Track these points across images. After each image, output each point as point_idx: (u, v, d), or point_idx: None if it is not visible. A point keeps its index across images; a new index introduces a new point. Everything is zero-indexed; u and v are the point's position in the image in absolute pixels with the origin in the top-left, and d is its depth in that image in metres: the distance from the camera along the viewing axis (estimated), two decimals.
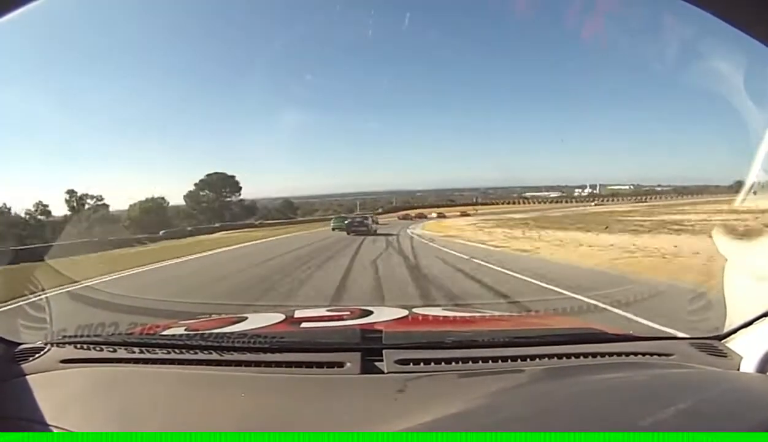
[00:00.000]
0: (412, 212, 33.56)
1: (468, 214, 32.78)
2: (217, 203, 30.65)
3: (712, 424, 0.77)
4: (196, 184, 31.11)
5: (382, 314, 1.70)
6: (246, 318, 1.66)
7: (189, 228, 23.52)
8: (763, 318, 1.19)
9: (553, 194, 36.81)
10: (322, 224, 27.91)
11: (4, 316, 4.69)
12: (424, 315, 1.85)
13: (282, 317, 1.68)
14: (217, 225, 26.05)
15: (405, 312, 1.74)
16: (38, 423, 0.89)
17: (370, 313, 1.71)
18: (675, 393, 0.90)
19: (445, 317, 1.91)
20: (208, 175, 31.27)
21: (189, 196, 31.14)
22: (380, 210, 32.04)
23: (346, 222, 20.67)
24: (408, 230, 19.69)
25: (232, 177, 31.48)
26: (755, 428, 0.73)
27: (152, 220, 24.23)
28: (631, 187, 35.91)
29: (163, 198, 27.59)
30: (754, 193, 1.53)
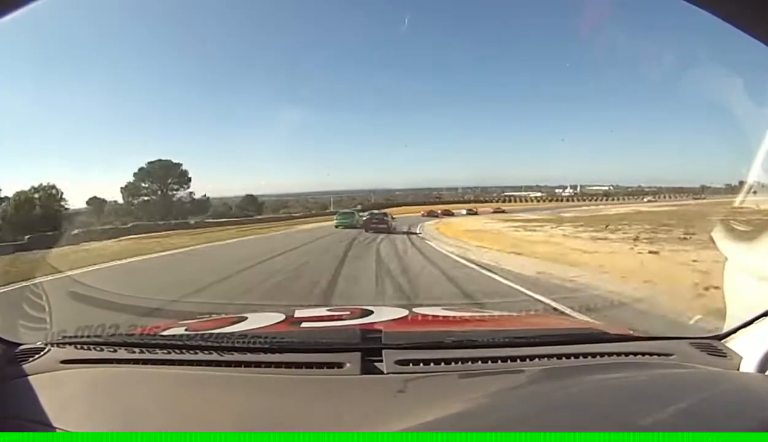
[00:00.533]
0: (438, 208, 29.39)
1: (503, 211, 28.69)
2: (161, 197, 24.96)
3: (712, 424, 0.77)
4: (135, 174, 24.72)
5: (382, 314, 1.69)
6: (246, 318, 1.66)
7: (77, 232, 15.51)
8: (763, 318, 1.19)
9: (534, 194, 35.62)
10: (293, 223, 23.44)
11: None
12: (424, 315, 1.85)
13: (282, 317, 1.68)
14: (129, 226, 18.66)
15: (405, 312, 1.73)
16: (38, 423, 0.89)
17: (371, 313, 1.71)
18: (675, 393, 0.91)
19: (444, 317, 1.91)
20: (149, 162, 25.00)
21: (127, 190, 24.62)
22: (359, 207, 28.91)
23: (364, 218, 18.16)
24: (440, 247, 11.15)
25: (178, 165, 25.35)
26: (755, 428, 0.73)
27: (33, 219, 16.91)
28: (611, 187, 35.13)
29: (54, 186, 19.83)
30: (754, 193, 1.53)
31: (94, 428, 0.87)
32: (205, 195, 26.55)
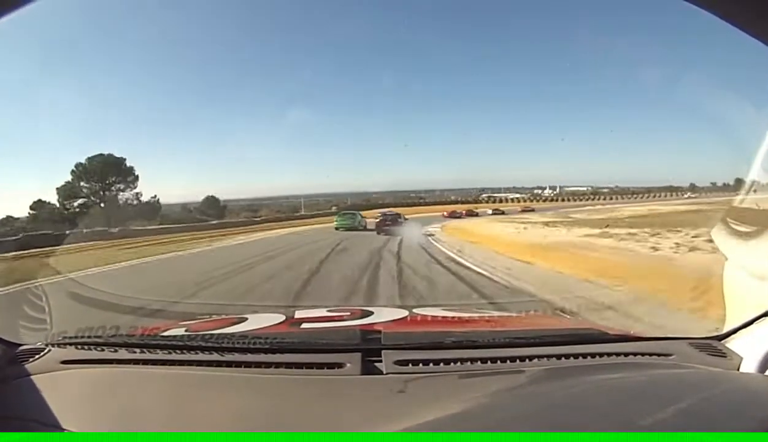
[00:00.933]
0: (461, 208, 26.40)
1: (532, 210, 26.04)
2: (102, 199, 20.57)
3: (712, 424, 0.77)
4: (72, 172, 20.23)
5: (382, 315, 1.70)
6: (246, 319, 1.66)
7: None
8: (763, 318, 1.19)
9: (512, 195, 34.00)
10: (251, 229, 19.61)
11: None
12: (423, 316, 1.85)
13: (282, 317, 1.68)
14: (14, 238, 13.78)
15: (405, 313, 1.74)
16: (39, 423, 0.89)
17: (371, 313, 1.71)
18: (675, 393, 0.90)
19: (444, 317, 1.91)
20: (89, 158, 20.28)
21: (63, 191, 19.98)
22: (334, 208, 26.82)
23: (379, 218, 16.81)
24: None
25: (122, 160, 20.71)
26: (755, 428, 0.73)
27: None
28: (589, 188, 34.40)
29: None
30: (754, 192, 1.52)
31: (94, 428, 0.88)
32: (154, 196, 22.05)
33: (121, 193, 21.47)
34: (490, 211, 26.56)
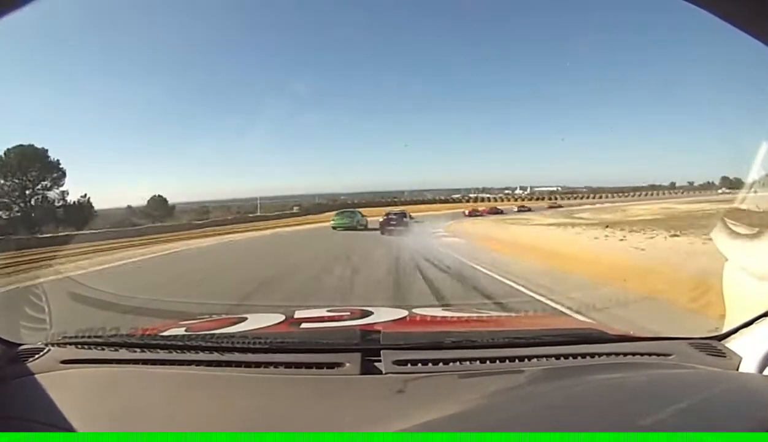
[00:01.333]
0: (482, 206, 25.07)
1: (559, 206, 24.91)
2: (24, 199, 17.09)
3: (711, 424, 0.77)
4: None
5: (382, 315, 1.70)
6: (246, 319, 1.67)
7: None
8: (763, 318, 1.19)
9: (483, 195, 33.62)
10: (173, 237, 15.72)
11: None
12: (422, 316, 1.86)
13: (282, 317, 1.68)
14: None
15: (404, 313, 1.74)
16: (39, 423, 0.89)
17: (370, 313, 1.71)
18: (675, 393, 0.90)
19: (443, 317, 1.92)
20: (6, 150, 16.70)
21: None
22: (296, 209, 26.00)
23: (383, 217, 15.93)
24: None
25: (43, 152, 17.16)
26: (755, 427, 0.73)
27: None
28: (559, 188, 34.77)
29: None
30: (755, 192, 1.52)
31: (94, 427, 0.88)
32: (85, 195, 18.34)
33: (47, 192, 17.65)
34: (515, 208, 25.39)
